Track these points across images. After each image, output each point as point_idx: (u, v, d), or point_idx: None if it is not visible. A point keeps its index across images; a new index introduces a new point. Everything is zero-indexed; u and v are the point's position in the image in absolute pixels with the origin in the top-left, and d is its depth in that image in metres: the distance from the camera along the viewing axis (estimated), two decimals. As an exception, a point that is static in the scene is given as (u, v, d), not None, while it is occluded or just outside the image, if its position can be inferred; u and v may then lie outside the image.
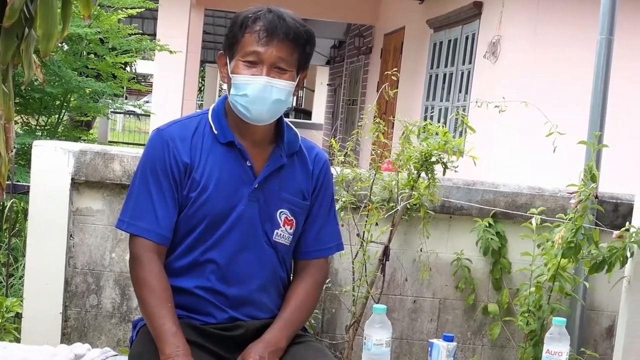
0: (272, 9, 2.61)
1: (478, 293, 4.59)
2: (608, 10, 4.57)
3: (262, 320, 2.70)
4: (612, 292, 4.28)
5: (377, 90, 13.42)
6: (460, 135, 4.43)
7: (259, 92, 2.57)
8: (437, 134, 4.10)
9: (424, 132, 4.15)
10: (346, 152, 4.19)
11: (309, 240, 2.81)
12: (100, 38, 7.09)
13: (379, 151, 4.21)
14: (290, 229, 2.73)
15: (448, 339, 2.67)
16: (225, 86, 2.74)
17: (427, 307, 4.60)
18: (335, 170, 4.25)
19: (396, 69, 4.78)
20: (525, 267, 4.29)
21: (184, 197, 2.63)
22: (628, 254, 3.93)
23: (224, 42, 2.70)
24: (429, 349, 2.69)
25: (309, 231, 2.80)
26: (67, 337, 4.36)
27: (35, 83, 6.40)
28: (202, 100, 25.07)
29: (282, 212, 2.71)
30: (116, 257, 4.40)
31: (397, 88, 11.36)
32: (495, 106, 4.18)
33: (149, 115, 18.70)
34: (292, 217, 2.72)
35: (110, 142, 18.31)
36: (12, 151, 2.47)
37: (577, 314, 4.51)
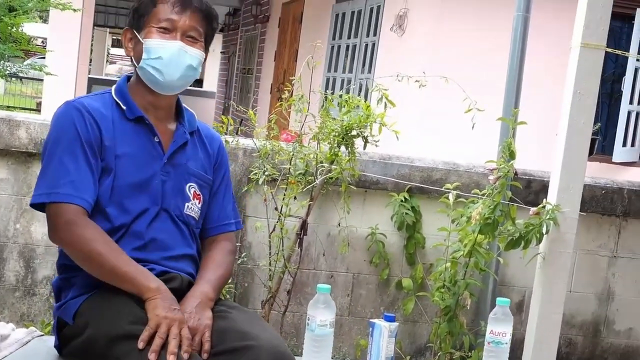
0: None
1: (392, 268, 4.59)
2: (524, -13, 4.58)
3: (190, 278, 2.67)
4: (522, 267, 4.32)
5: (274, 60, 13.36)
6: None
7: (174, 56, 2.61)
8: (359, 107, 4.04)
9: (345, 105, 4.09)
10: (270, 126, 4.09)
11: (213, 217, 2.84)
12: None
13: (300, 123, 4.11)
14: (199, 203, 2.76)
15: (389, 319, 2.62)
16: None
17: (341, 281, 4.57)
18: (255, 143, 4.17)
19: (318, 41, 4.64)
20: (439, 242, 4.29)
21: (100, 168, 2.58)
22: (544, 231, 3.96)
23: (131, 16, 2.71)
24: (370, 329, 2.64)
25: (213, 208, 2.84)
26: (-34, 312, 4.16)
27: None
28: (91, 66, 24.44)
29: (190, 185, 2.73)
30: (21, 228, 4.21)
31: (296, 59, 11.24)
32: (416, 80, 4.14)
33: (35, 79, 18.02)
34: (199, 192, 2.76)
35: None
36: None
37: (489, 289, 4.55)
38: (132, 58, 2.70)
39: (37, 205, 2.56)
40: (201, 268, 2.73)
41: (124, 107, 2.65)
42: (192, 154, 2.76)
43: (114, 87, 2.73)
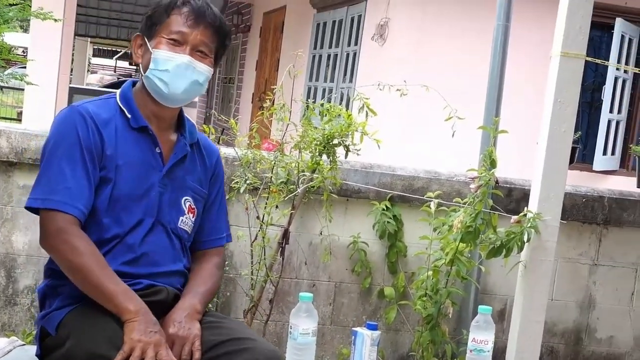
0: None
1: (374, 276, 4.58)
2: (505, -3, 4.61)
3: (177, 290, 2.68)
4: (504, 275, 4.33)
5: (256, 69, 13.37)
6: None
7: (180, 69, 2.60)
8: (341, 116, 4.04)
9: (326, 114, 4.09)
10: (252, 135, 4.09)
11: (205, 231, 2.85)
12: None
13: (281, 132, 4.11)
14: (193, 217, 2.76)
15: (372, 327, 2.63)
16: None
17: (323, 290, 4.56)
18: (236, 152, 4.17)
19: (300, 50, 4.66)
20: (421, 250, 4.30)
21: (99, 177, 2.57)
22: (525, 239, 3.97)
23: (143, 23, 2.69)
24: (353, 337, 2.65)
25: (206, 222, 2.84)
26: (-54, 322, 4.13)
27: None
28: (72, 75, 24.38)
29: (186, 199, 2.73)
30: (2, 238, 4.19)
31: (277, 68, 11.24)
32: (397, 89, 4.15)
33: (15, 89, 17.88)
34: (194, 206, 2.76)
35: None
36: None
37: (471, 297, 4.56)
38: (140, 65, 2.69)
39: (31, 209, 2.55)
40: (190, 280, 2.73)
41: (129, 116, 2.64)
42: (190, 166, 2.75)
43: (118, 92, 2.72)
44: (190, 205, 2.73)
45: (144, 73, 2.64)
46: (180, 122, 2.77)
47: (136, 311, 2.39)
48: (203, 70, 2.64)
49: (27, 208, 2.56)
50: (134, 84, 2.74)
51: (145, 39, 2.66)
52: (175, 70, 2.59)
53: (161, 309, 2.55)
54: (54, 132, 2.58)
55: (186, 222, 2.72)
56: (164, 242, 2.66)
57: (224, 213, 2.92)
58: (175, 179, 2.69)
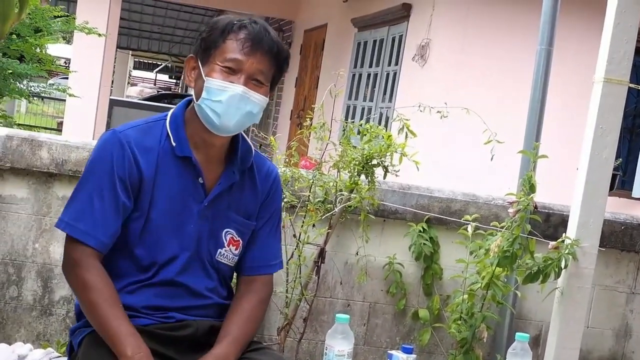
0: (257, 20, 2.53)
1: (409, 298, 4.56)
2: (548, 21, 4.59)
3: (211, 321, 2.61)
4: (540, 301, 4.30)
5: (296, 86, 13.43)
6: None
7: (234, 100, 2.46)
8: (381, 136, 4.04)
9: (366, 134, 4.09)
10: (291, 153, 4.10)
11: (254, 256, 2.71)
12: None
13: (319, 151, 4.12)
14: (236, 249, 2.65)
15: (407, 350, 2.62)
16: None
17: (357, 310, 4.55)
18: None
19: (341, 69, 4.67)
20: (457, 273, 4.27)
21: (133, 207, 2.50)
22: (562, 265, 3.95)
23: (197, 45, 2.56)
24: (388, 360, 2.64)
25: (254, 245, 2.70)
26: (-17, 330, 4.17)
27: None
28: (112, 87, 24.63)
29: (227, 231, 2.62)
30: (39, 248, 4.22)
31: (317, 86, 11.27)
32: (438, 111, 4.15)
33: (56, 99, 18.07)
34: (238, 238, 2.65)
35: (17, 124, 17.79)
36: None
37: (506, 322, 4.53)
38: (193, 90, 2.55)
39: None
40: (229, 317, 2.60)
41: (174, 144, 2.52)
42: (236, 197, 2.63)
43: (170, 113, 2.60)
44: (232, 237, 2.63)
45: (196, 101, 2.51)
46: (234, 146, 2.63)
47: (132, 356, 2.32)
48: (258, 101, 2.50)
49: (56, 227, 2.54)
50: (188, 102, 2.62)
51: (199, 63, 2.53)
52: (229, 101, 2.46)
53: (191, 342, 2.52)
54: (91, 157, 2.54)
55: (225, 254, 2.63)
56: (200, 275, 2.58)
57: (277, 239, 2.77)
58: (218, 210, 2.58)
